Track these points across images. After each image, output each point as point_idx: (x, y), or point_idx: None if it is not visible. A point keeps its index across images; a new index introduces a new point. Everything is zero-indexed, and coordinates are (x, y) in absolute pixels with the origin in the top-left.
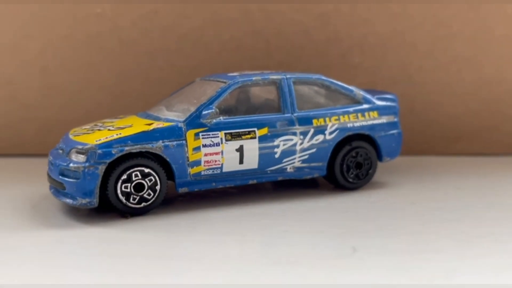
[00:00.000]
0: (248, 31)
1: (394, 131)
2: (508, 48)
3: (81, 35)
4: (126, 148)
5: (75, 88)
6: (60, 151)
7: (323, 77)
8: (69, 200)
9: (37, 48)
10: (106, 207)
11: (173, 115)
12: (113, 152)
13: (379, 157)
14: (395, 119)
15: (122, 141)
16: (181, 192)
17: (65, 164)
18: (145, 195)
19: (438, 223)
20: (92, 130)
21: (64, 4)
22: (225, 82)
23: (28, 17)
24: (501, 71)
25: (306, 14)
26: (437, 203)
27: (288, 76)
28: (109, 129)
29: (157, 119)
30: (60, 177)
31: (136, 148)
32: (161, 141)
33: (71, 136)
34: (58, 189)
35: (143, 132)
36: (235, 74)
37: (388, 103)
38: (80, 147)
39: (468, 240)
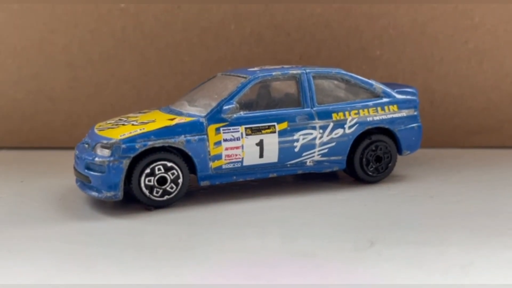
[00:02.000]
0: (269, 25)
1: (414, 125)
2: None
3: (105, 29)
4: (150, 143)
5: (99, 81)
6: (86, 146)
7: (343, 71)
8: (94, 193)
9: (63, 43)
10: (131, 199)
11: (195, 110)
12: (137, 147)
13: (399, 151)
14: (415, 113)
15: (146, 135)
16: (203, 185)
17: (91, 158)
18: (168, 189)
19: (456, 216)
20: (116, 124)
21: (88, 0)
22: (245, 77)
23: (54, 14)
24: None
25: (326, 7)
26: (456, 196)
27: (308, 70)
28: (132, 124)
29: (180, 114)
30: (86, 170)
31: (159, 143)
32: (183, 135)
33: (96, 131)
34: (84, 182)
35: (166, 127)
36: (255, 69)
37: (408, 97)
38: (105, 141)
39: (487, 234)
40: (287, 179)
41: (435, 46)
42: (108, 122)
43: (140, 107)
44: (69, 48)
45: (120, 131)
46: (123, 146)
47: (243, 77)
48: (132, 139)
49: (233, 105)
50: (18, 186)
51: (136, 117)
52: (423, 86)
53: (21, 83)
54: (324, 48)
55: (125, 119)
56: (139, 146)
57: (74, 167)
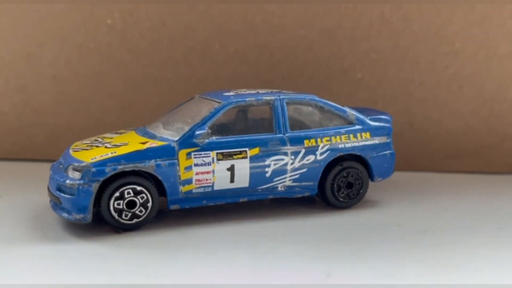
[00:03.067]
0: (253, 45)
1: (387, 152)
2: (510, 66)
3: (92, 45)
4: (119, 167)
5: (85, 96)
6: (61, 166)
7: (317, 98)
8: (65, 215)
9: (50, 57)
10: (102, 220)
11: (168, 133)
12: (107, 171)
13: (371, 177)
14: (388, 140)
15: (116, 159)
16: (172, 209)
17: (62, 180)
18: (137, 212)
19: (419, 248)
20: (91, 146)
21: (76, 15)
22: (219, 102)
23: (42, 28)
24: (503, 89)
25: (310, 29)
26: (423, 225)
27: (281, 96)
28: (106, 147)
29: (153, 137)
30: (57, 192)
31: (129, 167)
32: (153, 160)
33: (71, 151)
34: (56, 203)
35: (137, 151)
36: (230, 93)
37: (382, 124)
38: (76, 164)
39: (446, 268)
40: (258, 202)
41: (415, 70)
42: (85, 142)
43: (124, 123)
44: (56, 62)
45: (92, 153)
46: (93, 169)
47: (217, 101)
48: (102, 163)
49: (205, 131)
50: None
51: (111, 138)
52: (403, 110)
53: (7, 95)
54: (307, 69)
55: (100, 139)
56: (109, 170)
57: (48, 187)
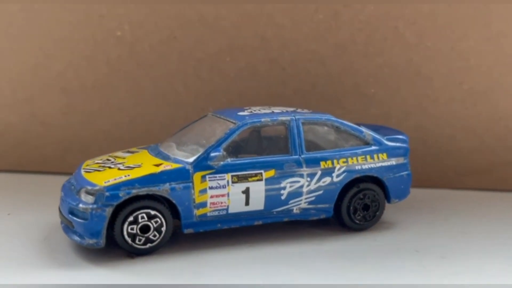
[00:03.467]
0: (264, 59)
1: (404, 173)
2: None
3: (100, 57)
4: (133, 191)
5: (93, 108)
6: (72, 187)
7: (333, 118)
8: (77, 239)
9: (58, 69)
10: (115, 244)
11: (181, 155)
12: (121, 195)
13: (387, 199)
14: (405, 161)
15: (130, 183)
16: (186, 233)
17: (75, 204)
18: (150, 237)
19: (440, 276)
20: (103, 167)
21: (85, 26)
22: (234, 123)
23: (51, 39)
24: None
25: (322, 44)
26: (442, 251)
27: (297, 117)
28: (119, 168)
29: (167, 158)
30: (70, 215)
31: (143, 191)
32: (168, 183)
33: (82, 172)
34: (67, 226)
35: (151, 174)
36: (245, 113)
37: (398, 144)
38: (89, 187)
39: None
40: (272, 224)
41: (429, 86)
42: (96, 161)
43: (132, 136)
44: (64, 74)
45: (105, 176)
46: (107, 194)
47: (232, 122)
48: (116, 187)
49: (220, 153)
50: (4, 220)
51: (124, 158)
52: (416, 126)
53: (14, 106)
54: (319, 84)
55: (112, 159)
56: (123, 195)
57: (59, 208)
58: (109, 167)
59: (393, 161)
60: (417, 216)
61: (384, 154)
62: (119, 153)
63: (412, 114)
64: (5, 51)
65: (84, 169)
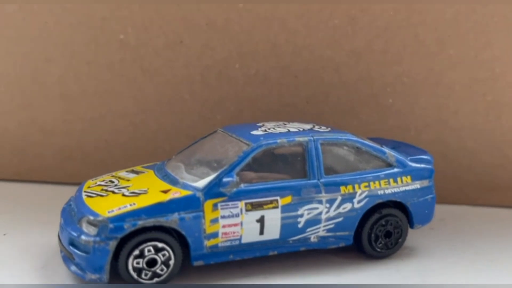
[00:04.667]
0: (275, 66)
1: (428, 197)
2: None
3: (103, 61)
4: (139, 223)
5: (94, 116)
6: (72, 213)
7: (354, 138)
8: (78, 272)
9: (58, 73)
10: (118, 275)
11: (191, 179)
12: (125, 227)
13: (411, 225)
14: (430, 183)
15: (136, 214)
16: (196, 265)
17: (76, 235)
18: (157, 271)
19: None
20: (106, 191)
21: (86, 29)
22: (248, 145)
23: (50, 42)
24: None
25: (337, 51)
26: (472, 285)
27: (316, 137)
28: (123, 194)
29: (175, 182)
30: (70, 247)
31: (149, 222)
32: (176, 213)
33: (84, 197)
34: (68, 257)
35: (159, 203)
36: (259, 132)
37: (423, 166)
38: (91, 218)
39: None
40: (288, 254)
41: (451, 97)
42: (98, 182)
43: (135, 145)
44: (64, 79)
45: (109, 204)
46: (111, 225)
47: (245, 143)
48: (120, 218)
49: (233, 179)
50: (0, 240)
51: (128, 180)
52: (436, 139)
53: (12, 113)
54: (333, 93)
55: (116, 181)
56: (128, 226)
57: (58, 236)
58: (113, 192)
59: (417, 185)
60: (440, 240)
61: (408, 177)
62: (123, 173)
63: (431, 126)
64: (1, 55)
65: (85, 192)
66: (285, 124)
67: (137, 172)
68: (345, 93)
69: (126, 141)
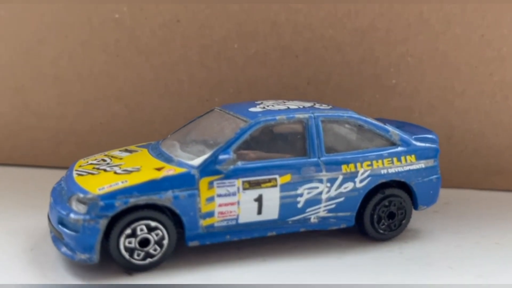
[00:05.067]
0: (276, 46)
1: (433, 177)
2: None
3: (97, 42)
4: (131, 200)
5: (89, 98)
6: (63, 192)
7: (356, 115)
8: (68, 252)
9: (51, 55)
10: (109, 259)
11: (186, 157)
12: (116, 205)
13: (415, 206)
14: (435, 163)
15: (128, 191)
16: (191, 245)
17: (65, 213)
18: (150, 251)
19: None
20: (97, 169)
21: (80, 8)
22: (245, 121)
23: (43, 23)
24: None
25: (339, 30)
26: (478, 267)
27: (316, 114)
28: (115, 172)
29: (169, 160)
30: (59, 226)
31: (142, 200)
32: (170, 191)
33: (74, 175)
34: (57, 237)
35: (152, 180)
36: (257, 109)
37: (428, 145)
38: (81, 195)
39: None
40: (287, 235)
41: (456, 77)
42: (90, 162)
43: (131, 128)
44: (58, 61)
45: (100, 181)
46: (101, 203)
47: (243, 120)
48: (111, 195)
49: (230, 156)
50: None
51: (121, 159)
52: (441, 121)
53: (5, 96)
54: (335, 74)
55: (108, 160)
56: (119, 204)
57: (48, 217)
58: (104, 170)
59: (422, 164)
60: (444, 223)
61: (413, 156)
62: (116, 152)
63: (436, 108)
64: None
65: (76, 171)
66: (284, 102)
67: (130, 151)
68: (348, 73)
69: (121, 125)
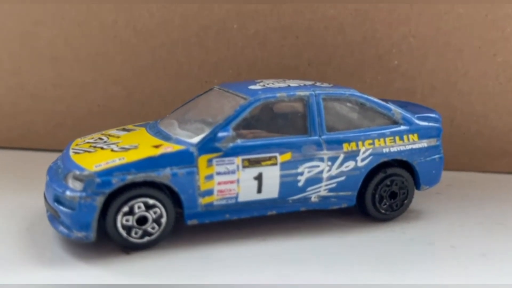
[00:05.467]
0: (276, 26)
1: (435, 156)
2: None
3: (95, 23)
4: (129, 177)
5: (87, 80)
6: (59, 170)
7: (358, 93)
8: (64, 231)
9: (47, 36)
10: (106, 236)
11: (184, 134)
12: (113, 182)
13: (417, 186)
14: (437, 143)
15: (125, 168)
16: (190, 224)
17: (61, 190)
18: (148, 229)
19: (485, 278)
20: (94, 147)
21: None
22: (245, 99)
23: (39, 3)
24: None
25: (341, 9)
26: (480, 247)
27: (317, 92)
28: (112, 150)
29: (167, 138)
30: (55, 204)
31: (139, 177)
32: (169, 168)
33: (71, 153)
34: (53, 216)
35: (149, 157)
36: (257, 87)
37: (431, 124)
38: (77, 172)
39: None
40: (287, 214)
41: (459, 58)
42: (87, 140)
43: (129, 111)
44: (55, 42)
45: (97, 158)
46: (98, 180)
47: (242, 97)
48: (108, 172)
49: (229, 134)
50: None
51: (118, 137)
52: (443, 103)
53: (1, 78)
54: (336, 55)
55: (106, 138)
56: (116, 181)
57: (44, 195)
58: (101, 148)
59: (424, 143)
60: (447, 204)
61: (415, 135)
62: (113, 131)
63: (439, 89)
64: None
65: (73, 149)
66: (285, 81)
67: (128, 130)
68: (349, 54)
69: (119, 107)
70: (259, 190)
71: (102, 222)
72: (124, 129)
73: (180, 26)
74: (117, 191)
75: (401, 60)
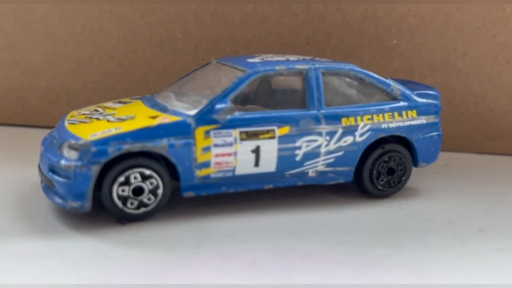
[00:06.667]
0: (274, 3)
1: (434, 133)
2: None
3: None
4: (125, 147)
5: (82, 56)
6: (54, 141)
7: (357, 68)
8: (59, 201)
9: (42, 11)
10: (102, 208)
11: (182, 106)
12: (109, 151)
13: (415, 163)
14: (436, 120)
15: (121, 137)
16: (186, 196)
17: (56, 160)
18: (145, 200)
19: (482, 254)
20: (90, 118)
21: None
22: (243, 71)
23: None
24: None
25: None
26: (478, 223)
27: (316, 65)
28: (108, 120)
29: (164, 109)
30: (50, 173)
31: (136, 147)
32: (165, 138)
33: (66, 124)
34: (48, 186)
35: (146, 128)
36: (255, 59)
37: (430, 101)
38: (73, 141)
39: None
40: (284, 188)
41: (459, 38)
42: (83, 112)
43: (125, 88)
44: (49, 17)
45: (92, 128)
46: (93, 149)
47: (240, 70)
48: (104, 141)
49: (227, 105)
50: None
51: (114, 109)
52: (442, 83)
53: None
54: (335, 33)
55: (101, 110)
56: (112, 150)
57: (39, 165)
58: (97, 119)
59: (423, 120)
60: (444, 183)
61: (414, 112)
62: (109, 104)
63: (437, 70)
64: None
65: (68, 120)
66: (284, 55)
67: (124, 102)
68: (348, 33)
69: (114, 84)
70: (257, 164)
71: (98, 193)
72: (120, 102)
73: (177, 2)
74: (113, 161)
75: (400, 40)
